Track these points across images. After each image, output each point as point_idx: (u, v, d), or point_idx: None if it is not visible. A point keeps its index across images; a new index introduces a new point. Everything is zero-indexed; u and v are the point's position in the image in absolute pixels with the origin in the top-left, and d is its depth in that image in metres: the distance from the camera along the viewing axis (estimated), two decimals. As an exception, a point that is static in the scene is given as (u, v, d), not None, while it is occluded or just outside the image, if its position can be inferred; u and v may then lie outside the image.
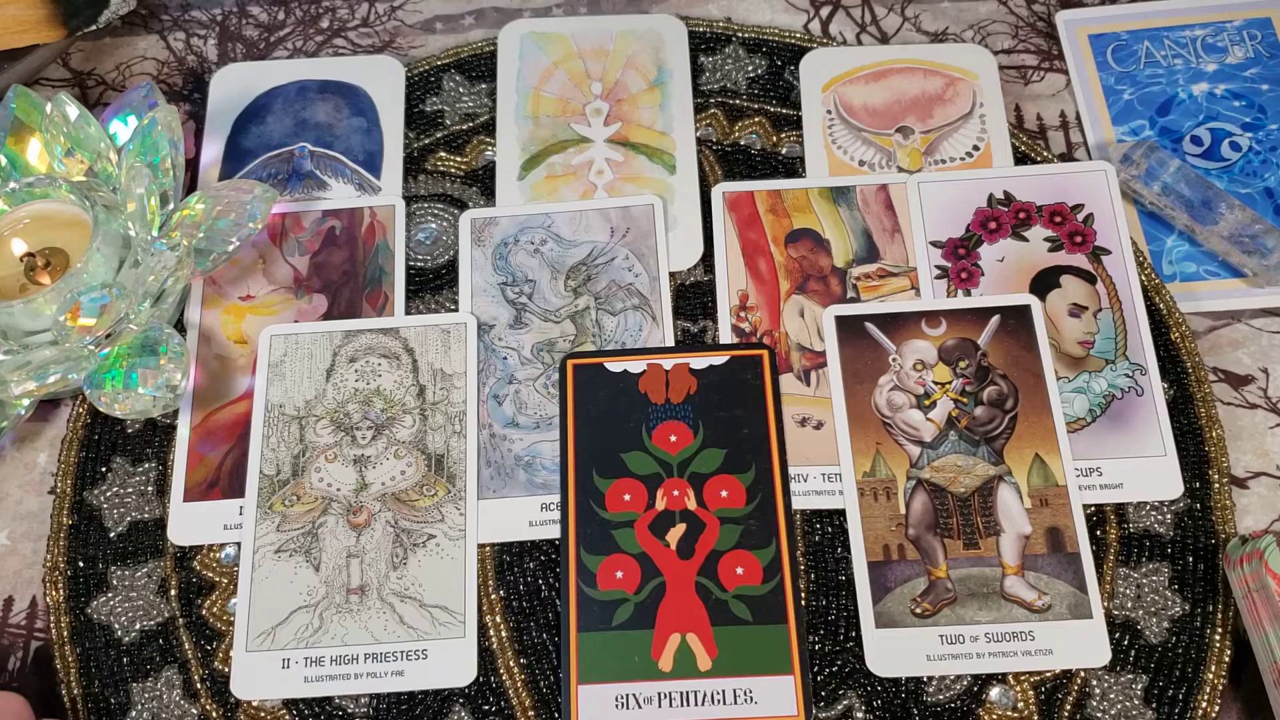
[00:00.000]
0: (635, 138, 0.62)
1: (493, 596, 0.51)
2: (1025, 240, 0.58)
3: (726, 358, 0.55)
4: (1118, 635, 0.49)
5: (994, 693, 0.49)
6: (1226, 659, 0.49)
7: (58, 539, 0.53)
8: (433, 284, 0.59)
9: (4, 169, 0.58)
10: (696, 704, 0.48)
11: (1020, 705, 0.48)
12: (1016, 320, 0.55)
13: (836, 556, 0.51)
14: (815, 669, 0.49)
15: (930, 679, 0.49)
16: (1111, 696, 0.48)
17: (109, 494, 0.54)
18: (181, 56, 0.67)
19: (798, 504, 0.52)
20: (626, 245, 0.58)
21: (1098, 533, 0.51)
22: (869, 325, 0.55)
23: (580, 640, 0.49)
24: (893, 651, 0.49)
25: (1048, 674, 0.49)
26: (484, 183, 0.61)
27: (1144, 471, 0.52)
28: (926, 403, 0.53)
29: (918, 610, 0.49)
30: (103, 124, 0.59)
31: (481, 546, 0.52)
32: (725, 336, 0.56)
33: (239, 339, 0.57)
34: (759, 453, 0.52)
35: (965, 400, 0.53)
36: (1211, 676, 0.48)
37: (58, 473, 0.55)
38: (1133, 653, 0.49)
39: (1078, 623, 0.49)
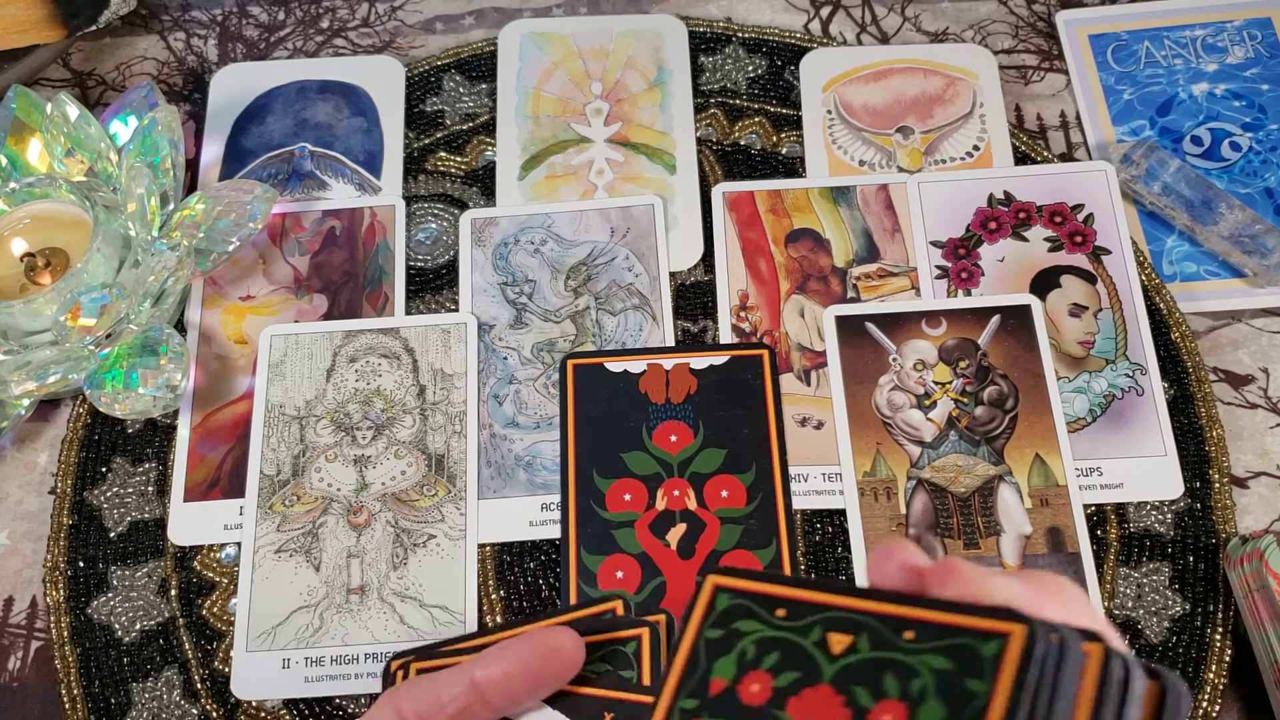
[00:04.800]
0: (635, 138, 0.62)
1: (493, 596, 0.51)
2: (1025, 240, 0.58)
3: (727, 358, 0.55)
4: (1118, 635, 0.49)
5: (994, 693, 0.48)
6: (1227, 659, 0.49)
7: (58, 539, 0.53)
8: (433, 284, 0.59)
9: (4, 169, 0.58)
10: (697, 704, 0.47)
11: (1020, 705, 0.48)
12: (1017, 320, 0.55)
13: (837, 556, 0.51)
14: (815, 669, 0.49)
15: (930, 679, 0.49)
16: (1112, 696, 0.48)
17: (109, 494, 0.54)
18: (181, 56, 0.67)
19: (798, 504, 0.52)
20: (626, 245, 0.58)
21: (1098, 532, 0.51)
22: (869, 325, 0.55)
23: (580, 640, 0.49)
24: None
25: (1048, 674, 0.49)
26: (484, 183, 0.61)
27: (1144, 471, 0.52)
28: (927, 403, 0.53)
29: (918, 610, 0.49)
30: (103, 124, 0.59)
31: (482, 546, 0.52)
32: (725, 336, 0.56)
33: (239, 339, 0.57)
34: (759, 453, 0.52)
35: (965, 400, 0.53)
36: (1212, 676, 0.48)
37: (58, 473, 0.55)
38: (1133, 652, 0.49)
39: (1078, 623, 0.49)
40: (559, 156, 0.61)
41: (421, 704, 0.29)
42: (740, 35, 0.65)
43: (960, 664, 0.21)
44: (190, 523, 0.53)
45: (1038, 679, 0.20)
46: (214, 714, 0.49)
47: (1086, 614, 0.23)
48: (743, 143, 0.62)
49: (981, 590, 0.23)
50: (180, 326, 0.58)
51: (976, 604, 0.22)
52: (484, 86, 0.64)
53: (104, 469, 0.55)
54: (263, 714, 0.49)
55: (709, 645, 0.24)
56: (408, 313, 0.58)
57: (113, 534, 0.53)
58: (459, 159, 0.62)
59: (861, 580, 0.28)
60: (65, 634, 0.51)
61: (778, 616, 0.24)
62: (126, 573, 0.53)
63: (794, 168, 0.61)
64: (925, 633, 0.22)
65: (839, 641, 0.23)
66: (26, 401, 0.54)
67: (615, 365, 0.55)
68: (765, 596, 0.24)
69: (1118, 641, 0.22)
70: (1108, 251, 0.57)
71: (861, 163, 0.61)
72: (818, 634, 0.23)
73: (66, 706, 0.50)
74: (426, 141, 0.63)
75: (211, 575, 0.52)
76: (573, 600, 0.50)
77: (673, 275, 0.58)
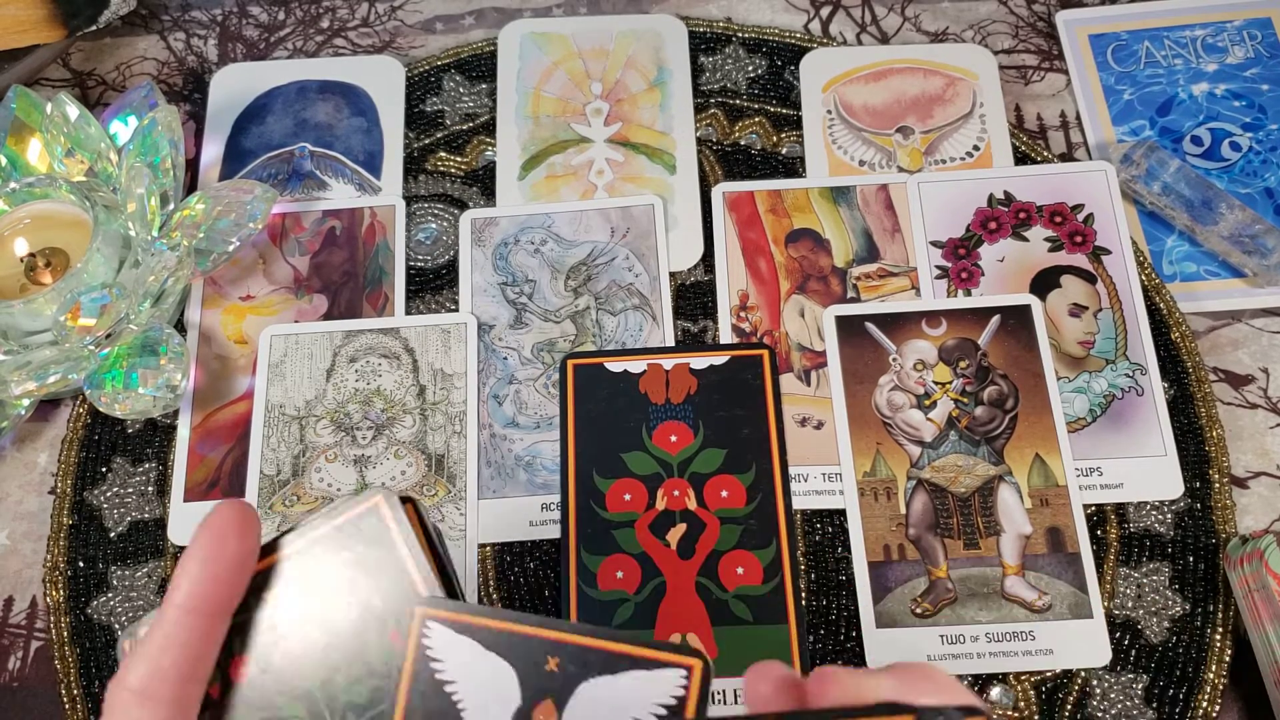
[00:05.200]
0: (635, 138, 0.62)
1: (493, 596, 0.51)
2: (1025, 240, 0.58)
3: (727, 358, 0.55)
4: (1118, 635, 0.49)
5: (994, 692, 0.49)
6: (1227, 659, 0.49)
7: (58, 539, 0.53)
8: (433, 284, 0.59)
9: (4, 169, 0.58)
10: (697, 704, 0.47)
11: (1021, 705, 0.48)
12: (1017, 320, 0.55)
13: (837, 556, 0.51)
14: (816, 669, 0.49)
15: (930, 679, 0.49)
16: (1112, 696, 0.48)
17: (109, 494, 0.54)
18: (181, 56, 0.67)
19: (798, 504, 0.52)
20: (626, 245, 0.58)
21: (1098, 532, 0.51)
22: (869, 325, 0.55)
23: (580, 640, 0.49)
24: (893, 651, 0.49)
25: (1048, 674, 0.49)
26: (484, 183, 0.61)
27: (1144, 471, 0.52)
28: (927, 403, 0.53)
29: (918, 610, 0.49)
30: (103, 124, 0.59)
31: (482, 546, 0.52)
32: (725, 336, 0.56)
33: (239, 339, 0.57)
34: (759, 453, 0.52)
35: (965, 400, 0.53)
36: (1212, 676, 0.48)
37: (58, 473, 0.55)
38: (1133, 652, 0.49)
39: (1078, 622, 0.49)
40: (559, 156, 0.61)
41: (152, 669, 0.26)
42: (740, 35, 0.65)
43: None
44: (190, 523, 0.53)
45: None
46: (214, 714, 0.49)
47: (959, 694, 0.25)
48: (743, 143, 0.62)
49: (859, 691, 0.24)
50: (180, 326, 0.58)
51: (860, 705, 0.23)
52: (484, 86, 0.64)
53: (104, 469, 0.55)
54: (263, 714, 0.50)
55: None
56: (408, 313, 0.58)
57: (113, 534, 0.53)
58: (459, 159, 0.62)
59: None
60: (65, 634, 0.51)
61: None
62: (126, 573, 0.53)
63: (794, 168, 0.61)
64: None
65: None
66: (26, 401, 0.54)
67: (615, 365, 0.55)
68: None
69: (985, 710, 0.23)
70: (1108, 251, 0.57)
71: (861, 163, 0.61)
72: None
73: (66, 706, 0.50)
74: (426, 141, 0.63)
75: (211, 575, 0.52)
76: (572, 602, 0.50)
77: (673, 275, 0.58)
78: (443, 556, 0.29)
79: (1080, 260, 0.57)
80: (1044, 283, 0.56)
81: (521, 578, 0.51)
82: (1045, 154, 0.61)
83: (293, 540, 0.29)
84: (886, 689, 0.24)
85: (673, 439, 0.53)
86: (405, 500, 0.29)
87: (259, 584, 0.29)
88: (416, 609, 0.27)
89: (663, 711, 0.27)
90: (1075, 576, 0.50)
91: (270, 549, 0.29)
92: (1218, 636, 0.49)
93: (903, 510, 0.51)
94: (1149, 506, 0.52)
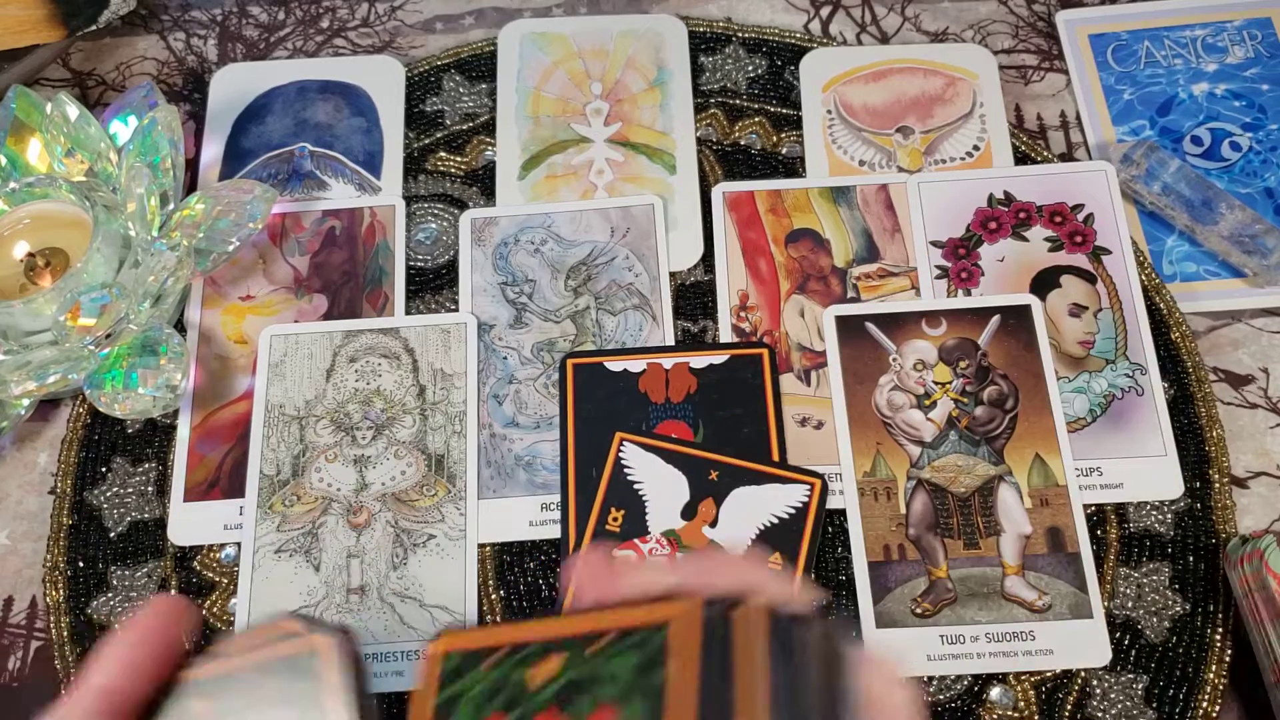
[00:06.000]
0: (635, 138, 0.62)
1: (493, 596, 0.51)
2: (1025, 240, 0.58)
3: (726, 357, 0.55)
4: (1118, 635, 0.49)
5: (994, 693, 0.49)
6: (1227, 659, 0.49)
7: (58, 539, 0.53)
8: (433, 284, 0.59)
9: (4, 169, 0.58)
10: (697, 704, 0.47)
11: (1021, 705, 0.48)
12: (1017, 320, 0.55)
13: (837, 556, 0.51)
14: (815, 669, 0.49)
15: (931, 679, 0.49)
16: (1112, 696, 0.48)
17: (109, 494, 0.54)
18: (181, 56, 0.67)
19: (798, 504, 0.52)
20: (627, 245, 0.58)
21: (1098, 532, 0.51)
22: (869, 325, 0.55)
23: (580, 640, 0.49)
24: (893, 651, 0.49)
25: (1048, 674, 0.49)
26: (484, 183, 0.61)
27: (1144, 471, 0.52)
28: (927, 403, 0.53)
29: (918, 610, 0.49)
30: (103, 124, 0.59)
31: (481, 546, 0.52)
32: (725, 336, 0.56)
33: (239, 339, 0.57)
34: (759, 452, 0.52)
35: (965, 400, 0.53)
36: (1212, 676, 0.48)
37: (58, 473, 0.55)
38: (1133, 652, 0.49)
39: (1078, 622, 0.49)
40: (559, 156, 0.61)
41: None
42: (740, 35, 0.65)
43: (644, 657, 0.23)
44: (190, 523, 0.53)
45: (708, 654, 0.22)
46: (214, 714, 0.49)
47: (751, 575, 0.25)
48: (743, 143, 0.62)
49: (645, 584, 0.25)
50: (180, 326, 0.58)
51: (643, 598, 0.24)
52: (484, 86, 0.64)
53: (104, 469, 0.55)
54: (263, 714, 0.49)
55: (438, 710, 0.27)
56: (408, 313, 0.58)
57: (113, 534, 0.53)
58: (459, 159, 0.62)
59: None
60: (65, 634, 0.51)
61: (498, 661, 0.27)
62: (126, 573, 0.53)
63: (794, 168, 0.61)
64: (613, 640, 0.24)
65: (548, 668, 0.25)
66: (26, 401, 0.54)
67: (615, 365, 0.55)
68: (484, 649, 0.27)
69: (774, 588, 0.23)
70: (1108, 251, 0.57)
71: (861, 163, 0.61)
72: (529, 666, 0.25)
73: (66, 706, 0.50)
74: (426, 141, 0.63)
75: (211, 575, 0.52)
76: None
77: (673, 275, 0.58)
78: (367, 696, 0.29)
79: (1080, 260, 0.57)
80: (1044, 283, 0.56)
81: (521, 578, 0.51)
82: (1045, 154, 0.61)
83: (220, 659, 0.29)
84: (669, 581, 0.25)
85: (672, 438, 0.53)
86: (344, 631, 0.29)
87: (181, 691, 0.28)
88: (616, 434, 0.42)
89: (791, 511, 0.44)
90: (1075, 576, 0.50)
91: (201, 655, 0.29)
92: (1218, 636, 0.49)
93: (903, 510, 0.51)
94: (1149, 506, 0.52)
